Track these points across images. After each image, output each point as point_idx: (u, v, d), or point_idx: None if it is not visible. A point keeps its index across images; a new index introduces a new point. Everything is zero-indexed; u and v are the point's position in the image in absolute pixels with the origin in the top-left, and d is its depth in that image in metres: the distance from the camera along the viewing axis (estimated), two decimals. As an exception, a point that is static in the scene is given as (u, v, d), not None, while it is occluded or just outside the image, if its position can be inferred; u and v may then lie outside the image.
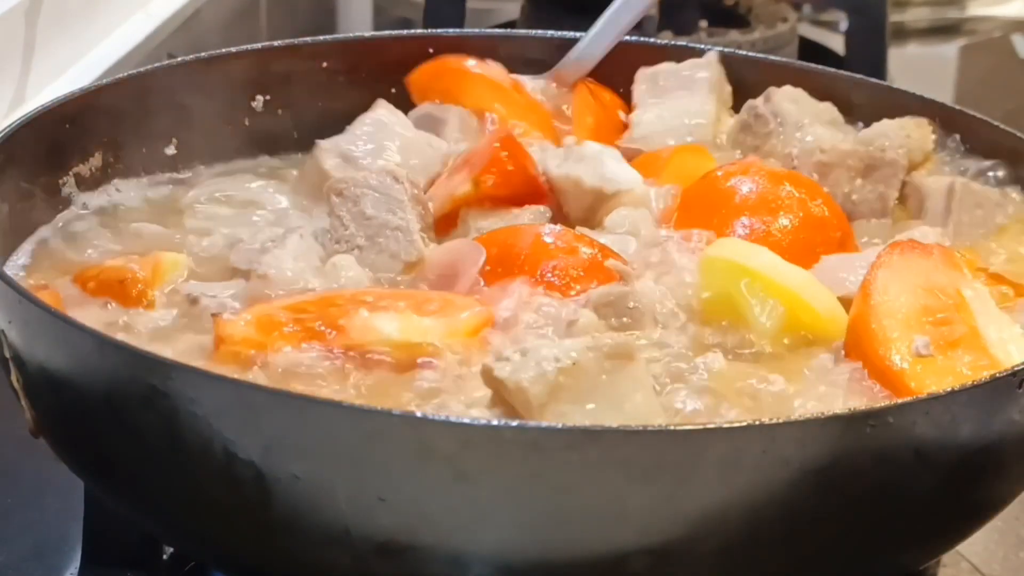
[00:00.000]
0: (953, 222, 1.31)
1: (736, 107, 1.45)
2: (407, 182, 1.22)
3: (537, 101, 1.44)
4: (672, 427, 0.97)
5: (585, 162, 1.29)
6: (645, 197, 1.28)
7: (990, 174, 1.36)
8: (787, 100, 1.40)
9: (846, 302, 1.14)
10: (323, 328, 1.07)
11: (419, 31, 1.56)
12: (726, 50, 1.52)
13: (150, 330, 1.14)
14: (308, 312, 1.09)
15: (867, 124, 1.40)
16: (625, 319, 1.11)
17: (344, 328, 1.08)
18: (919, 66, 2.51)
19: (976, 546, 1.23)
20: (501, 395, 1.01)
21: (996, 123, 1.37)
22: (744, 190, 1.25)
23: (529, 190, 1.28)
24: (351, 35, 1.54)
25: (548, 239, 1.19)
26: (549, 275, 1.15)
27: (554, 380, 0.99)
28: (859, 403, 1.06)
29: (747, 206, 1.25)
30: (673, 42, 1.59)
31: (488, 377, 1.02)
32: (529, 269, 1.16)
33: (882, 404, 1.00)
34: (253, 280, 1.16)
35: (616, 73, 1.49)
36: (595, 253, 1.18)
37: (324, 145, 1.34)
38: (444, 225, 1.26)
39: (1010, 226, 1.32)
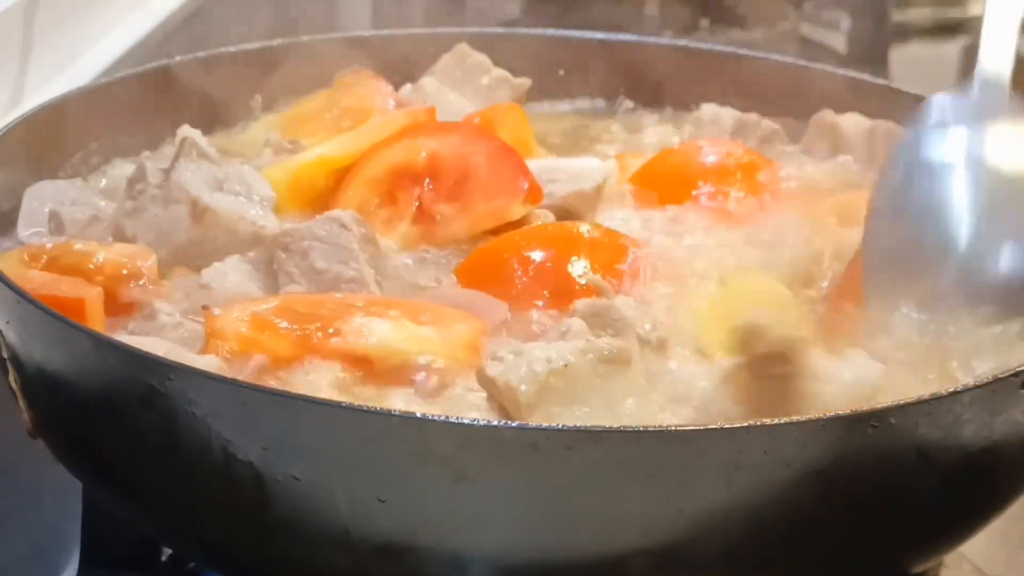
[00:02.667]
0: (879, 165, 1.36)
1: (745, 110, 1.46)
2: (355, 225, 1.17)
3: None
4: (673, 428, 0.96)
5: (566, 174, 1.30)
6: (613, 168, 1.34)
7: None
8: None
9: None
10: (318, 330, 1.07)
11: (419, 29, 1.56)
12: (727, 49, 1.52)
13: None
14: (299, 312, 1.07)
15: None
16: (610, 331, 1.11)
17: (341, 331, 1.06)
18: (921, 65, 2.51)
19: (978, 547, 1.23)
20: (495, 395, 1.01)
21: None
22: (707, 161, 1.35)
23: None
24: (350, 34, 1.54)
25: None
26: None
27: (544, 381, 0.99)
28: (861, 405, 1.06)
29: (706, 174, 1.34)
30: (673, 41, 1.59)
31: (481, 376, 1.01)
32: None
33: (884, 405, 0.99)
34: (196, 291, 1.14)
35: (614, 72, 1.49)
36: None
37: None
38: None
39: None
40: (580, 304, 1.12)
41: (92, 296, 1.10)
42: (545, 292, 1.16)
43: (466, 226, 1.24)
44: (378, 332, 1.06)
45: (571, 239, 1.21)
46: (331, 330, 1.06)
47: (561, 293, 1.16)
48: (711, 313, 1.14)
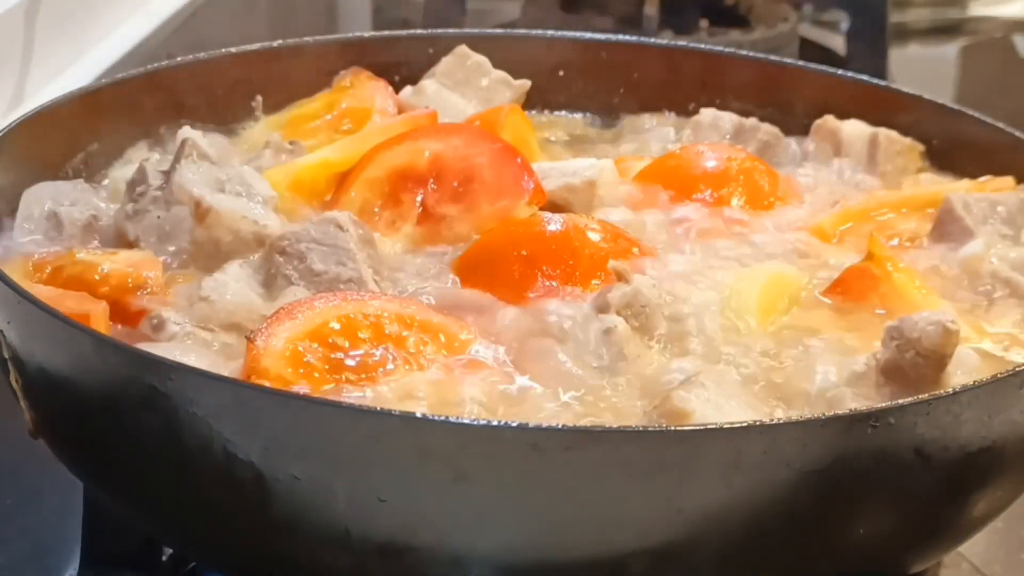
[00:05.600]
0: (879, 172, 1.40)
1: (745, 112, 1.46)
2: (352, 226, 1.17)
3: None
4: (672, 427, 0.97)
5: (558, 172, 1.31)
6: (608, 166, 1.34)
7: None
8: None
9: None
10: (360, 379, 1.05)
11: (419, 31, 1.56)
12: (726, 50, 1.53)
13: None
14: (338, 348, 1.05)
15: (870, 124, 1.42)
16: (642, 318, 1.12)
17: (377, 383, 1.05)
18: (920, 66, 2.52)
19: (977, 547, 1.23)
20: None
21: (996, 123, 1.37)
22: (707, 165, 1.36)
23: None
24: (350, 35, 1.54)
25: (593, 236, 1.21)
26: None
27: None
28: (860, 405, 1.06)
29: (707, 178, 1.35)
30: (673, 42, 1.59)
31: None
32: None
33: (883, 404, 1.00)
34: (197, 303, 1.14)
35: (614, 72, 1.49)
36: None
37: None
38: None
39: None
40: (612, 298, 1.12)
41: (97, 311, 1.10)
42: (553, 279, 1.17)
43: (471, 227, 1.24)
44: (417, 391, 1.05)
45: (574, 227, 1.21)
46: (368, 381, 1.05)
47: (569, 277, 1.17)
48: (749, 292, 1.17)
